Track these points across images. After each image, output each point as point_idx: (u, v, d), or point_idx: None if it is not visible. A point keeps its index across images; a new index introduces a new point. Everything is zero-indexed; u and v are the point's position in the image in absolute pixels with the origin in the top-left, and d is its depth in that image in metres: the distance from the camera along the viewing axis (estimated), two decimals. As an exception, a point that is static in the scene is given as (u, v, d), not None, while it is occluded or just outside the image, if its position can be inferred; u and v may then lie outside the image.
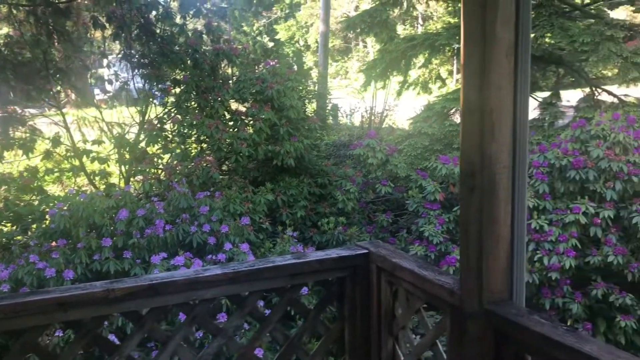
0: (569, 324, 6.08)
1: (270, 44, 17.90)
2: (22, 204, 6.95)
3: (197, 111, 7.52)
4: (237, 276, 2.01)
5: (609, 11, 10.14)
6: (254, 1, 19.19)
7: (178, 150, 7.31)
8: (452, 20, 15.63)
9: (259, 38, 19.33)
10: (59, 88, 8.08)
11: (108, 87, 8.11)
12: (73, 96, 8.56)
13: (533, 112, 9.29)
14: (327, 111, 11.33)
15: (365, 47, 25.97)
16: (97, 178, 7.40)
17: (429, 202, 6.71)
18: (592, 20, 8.83)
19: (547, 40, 8.62)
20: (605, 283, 6.31)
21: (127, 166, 7.45)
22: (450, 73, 16.97)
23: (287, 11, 21.50)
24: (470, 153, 1.70)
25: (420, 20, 19.86)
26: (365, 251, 2.25)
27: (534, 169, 6.57)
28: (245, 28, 19.57)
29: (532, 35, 8.79)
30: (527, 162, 1.73)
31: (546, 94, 9.41)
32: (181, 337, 2.02)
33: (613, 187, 6.22)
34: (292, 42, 20.38)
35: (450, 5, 12.80)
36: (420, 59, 10.44)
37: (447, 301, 1.85)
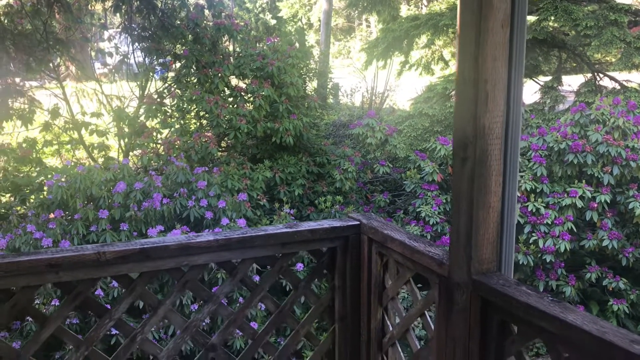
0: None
1: (273, 22, 17.76)
2: (20, 175, 6.96)
3: (196, 86, 7.49)
4: (228, 243, 2.02)
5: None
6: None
7: (177, 125, 7.29)
8: (457, 1, 15.41)
9: (261, 15, 19.19)
10: (59, 60, 8.02)
11: (108, 60, 8.04)
12: (73, 69, 8.50)
13: (534, 96, 9.26)
14: (328, 90, 11.28)
15: (368, 26, 25.73)
16: (95, 151, 7.39)
17: (427, 183, 6.71)
18: (597, 5, 8.74)
19: (550, 23, 8.54)
20: (599, 267, 6.35)
21: (125, 140, 7.44)
22: (454, 55, 16.84)
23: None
24: (463, 124, 1.69)
25: (424, 1, 19.67)
26: (357, 222, 2.26)
27: (532, 152, 6.57)
28: (247, 4, 19.42)
29: (536, 18, 8.72)
30: (520, 134, 1.73)
31: (548, 77, 9.36)
32: (172, 302, 2.04)
33: (610, 171, 6.22)
34: (295, 20, 20.20)
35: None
36: (423, 40, 10.35)
37: (436, 272, 1.87)
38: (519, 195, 6.26)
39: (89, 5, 8.13)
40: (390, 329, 2.19)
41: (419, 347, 2.04)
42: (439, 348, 1.87)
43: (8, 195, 6.71)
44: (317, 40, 16.73)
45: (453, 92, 9.28)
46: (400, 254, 2.02)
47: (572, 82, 9.28)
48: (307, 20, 22.78)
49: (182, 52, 7.53)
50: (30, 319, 4.65)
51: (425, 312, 2.00)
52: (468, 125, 1.68)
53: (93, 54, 9.20)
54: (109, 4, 7.73)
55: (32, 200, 6.51)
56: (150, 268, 1.96)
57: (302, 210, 7.32)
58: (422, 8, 19.36)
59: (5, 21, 6.53)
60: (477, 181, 1.67)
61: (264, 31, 12.17)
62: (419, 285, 2.13)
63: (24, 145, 7.21)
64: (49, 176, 6.70)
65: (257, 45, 8.14)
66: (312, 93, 9.67)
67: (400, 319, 2.16)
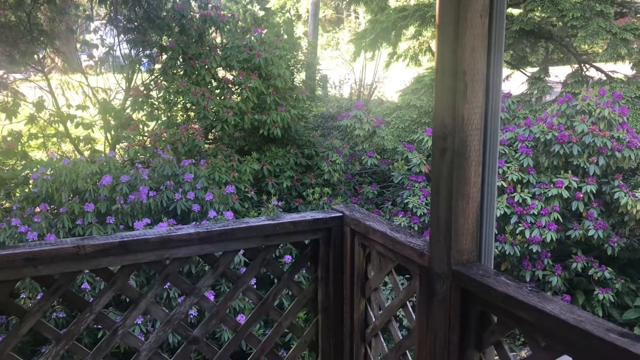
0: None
1: (261, 13, 17.66)
2: (5, 168, 6.89)
3: (183, 78, 7.44)
4: (209, 235, 2.01)
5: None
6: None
7: (164, 118, 7.24)
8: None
9: (249, 7, 19.08)
10: (43, 52, 7.93)
11: (94, 52, 7.96)
12: (58, 61, 8.41)
13: (521, 87, 9.29)
14: (317, 82, 11.25)
15: (357, 18, 25.66)
16: (81, 144, 7.33)
17: (414, 174, 6.72)
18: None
19: (537, 14, 8.55)
20: (585, 256, 6.41)
21: (112, 132, 7.38)
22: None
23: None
24: (443, 115, 1.69)
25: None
26: (340, 214, 2.26)
27: (519, 143, 6.60)
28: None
29: (523, 9, 8.73)
30: (499, 124, 1.73)
31: (535, 69, 9.39)
32: (153, 295, 2.03)
33: (596, 162, 6.27)
34: (283, 11, 20.10)
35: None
36: (410, 31, 10.33)
37: (417, 262, 1.87)
38: (505, 185, 6.30)
39: (74, -4, 8.04)
40: (373, 320, 2.19)
41: (401, 337, 2.05)
42: (420, 338, 1.87)
43: (-7, 189, 6.64)
44: (306, 32, 16.67)
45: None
46: (382, 245, 2.03)
47: (559, 73, 9.32)
48: (296, 11, 22.68)
49: (168, 43, 7.47)
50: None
51: (407, 302, 2.00)
52: (447, 116, 1.68)
53: (78, 46, 9.09)
54: (93, -6, 7.64)
55: (17, 194, 6.45)
56: (131, 261, 1.95)
57: (291, 202, 7.32)
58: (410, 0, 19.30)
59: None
60: (456, 172, 1.67)
61: (251, 22, 12.09)
62: (407, 276, 2.13)
63: (8, 138, 7.13)
64: (34, 169, 6.64)
65: (245, 36, 8.09)
66: (301, 85, 9.63)
67: (382, 310, 2.16)
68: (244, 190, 6.78)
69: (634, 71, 9.16)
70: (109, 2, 7.52)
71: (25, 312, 1.85)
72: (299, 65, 9.75)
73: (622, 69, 8.98)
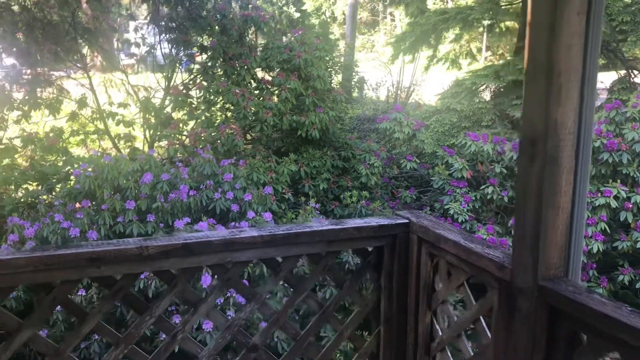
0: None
1: (297, 15, 17.63)
2: (47, 164, 6.97)
3: (222, 78, 7.43)
4: (273, 239, 1.93)
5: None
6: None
7: (203, 117, 7.23)
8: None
9: (285, 8, 19.05)
10: (86, 50, 8.02)
11: (135, 50, 8.01)
12: (100, 59, 8.50)
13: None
14: (354, 84, 11.16)
15: (393, 20, 25.45)
16: (122, 141, 7.37)
17: (456, 179, 6.57)
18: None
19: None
20: (632, 269, 6.17)
21: (151, 130, 7.41)
22: (479, 50, 16.58)
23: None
24: (533, 118, 1.58)
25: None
26: (406, 221, 2.15)
27: (566, 150, 6.39)
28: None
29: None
30: (593, 128, 1.61)
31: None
32: (214, 299, 1.96)
33: (648, 171, 6.03)
34: (319, 13, 20.04)
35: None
36: (451, 34, 10.17)
37: (495, 275, 1.76)
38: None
39: (117, -5, 8.11)
40: (440, 333, 2.08)
41: (472, 353, 1.94)
42: (496, 356, 1.76)
43: (35, 184, 6.71)
44: (342, 34, 16.58)
45: (481, 88, 9.12)
46: (454, 255, 1.91)
47: (604, 79, 9.03)
48: (332, 13, 22.60)
49: (209, 43, 7.47)
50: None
51: (480, 317, 1.89)
52: (538, 120, 1.56)
53: (119, 44, 9.18)
54: (136, -6, 7.69)
55: (58, 190, 6.51)
56: (193, 264, 1.88)
57: (327, 204, 7.23)
58: (447, 3, 19.09)
59: (35, 11, 6.51)
60: (546, 180, 1.56)
61: (287, 24, 12.05)
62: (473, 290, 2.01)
63: (51, 134, 7.21)
64: (76, 166, 6.70)
65: (281, 37, 8.06)
66: (337, 86, 9.56)
67: (451, 323, 2.05)
68: (281, 192, 6.72)
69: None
70: (151, 1, 7.54)
71: (86, 314, 1.79)
72: (337, 67, 9.67)
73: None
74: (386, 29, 25.74)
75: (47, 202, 6.00)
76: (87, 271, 1.75)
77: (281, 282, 2.26)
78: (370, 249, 2.18)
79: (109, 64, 8.34)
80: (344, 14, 22.27)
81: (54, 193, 6.45)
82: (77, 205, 5.63)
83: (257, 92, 7.48)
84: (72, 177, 6.56)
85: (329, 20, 20.55)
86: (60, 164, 6.81)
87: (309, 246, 2.03)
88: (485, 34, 15.37)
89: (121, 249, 1.76)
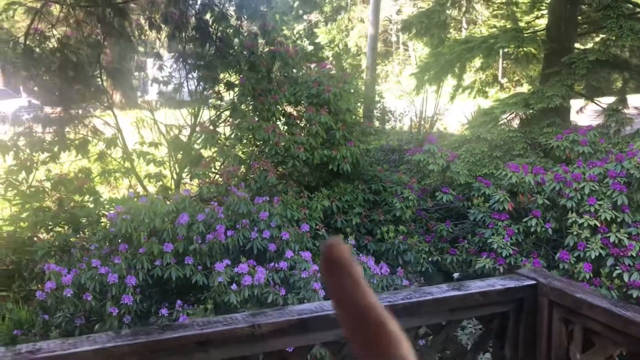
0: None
1: (310, 48, 17.71)
2: (72, 205, 6.84)
3: (252, 114, 7.36)
4: (392, 310, 1.75)
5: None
6: (295, 5, 19.06)
7: (235, 154, 7.13)
8: (497, 24, 15.19)
9: (298, 42, 19.16)
10: (112, 89, 8.00)
11: (162, 88, 7.97)
12: (124, 97, 8.48)
13: (597, 119, 8.88)
14: (376, 114, 11.08)
15: (406, 50, 25.57)
16: (152, 180, 7.27)
17: (497, 212, 6.38)
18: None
19: (614, 42, 8.18)
20: (688, 302, 5.90)
21: (181, 169, 7.31)
22: (495, 77, 16.51)
23: (329, 14, 21.23)
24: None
25: (464, 24, 19.42)
26: (533, 282, 1.95)
27: (610, 179, 6.21)
28: (285, 32, 19.39)
29: (600, 37, 8.40)
30: None
31: (611, 99, 8.98)
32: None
33: (700, 199, 5.82)
34: (332, 45, 20.15)
35: (503, 7, 12.42)
36: (476, 63, 10.09)
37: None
38: (598, 225, 5.90)
39: (142, 35, 8.10)
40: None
41: None
42: None
43: (65, 226, 6.58)
44: (355, 65, 16.62)
45: (510, 117, 8.98)
46: (602, 323, 1.70)
47: (636, 104, 8.88)
48: (344, 45, 22.73)
49: (237, 80, 7.42)
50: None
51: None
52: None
53: (145, 82, 9.18)
54: (163, 34, 7.68)
55: (86, 232, 6.38)
56: (307, 342, 1.69)
57: (360, 239, 7.05)
58: (462, 31, 19.14)
59: (66, 52, 6.50)
60: None
61: (301, 57, 12.02)
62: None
63: (79, 175, 7.13)
64: (107, 207, 6.58)
65: (308, 70, 8.00)
66: (361, 118, 9.47)
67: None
68: (314, 228, 6.56)
69: None
70: (178, 39, 7.53)
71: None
72: (361, 99, 9.60)
73: None
74: (399, 59, 25.84)
75: (79, 245, 5.87)
76: (195, 356, 1.57)
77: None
78: (493, 314, 1.97)
79: (134, 102, 8.30)
80: (357, 45, 22.39)
81: (80, 234, 6.32)
82: (112, 248, 5.49)
83: (285, 127, 7.39)
84: (103, 220, 6.45)
85: (342, 52, 20.66)
86: (91, 205, 6.69)
87: (430, 316, 1.83)
88: (500, 61, 15.35)
89: (231, 329, 1.58)
